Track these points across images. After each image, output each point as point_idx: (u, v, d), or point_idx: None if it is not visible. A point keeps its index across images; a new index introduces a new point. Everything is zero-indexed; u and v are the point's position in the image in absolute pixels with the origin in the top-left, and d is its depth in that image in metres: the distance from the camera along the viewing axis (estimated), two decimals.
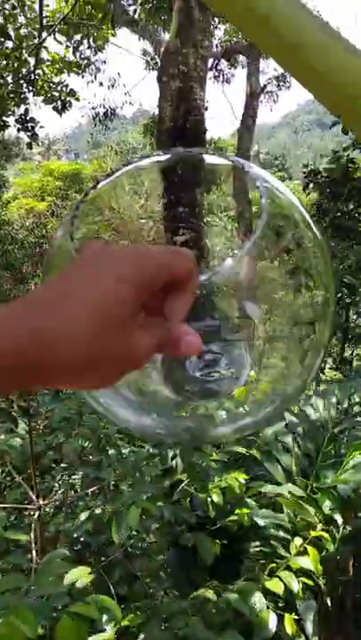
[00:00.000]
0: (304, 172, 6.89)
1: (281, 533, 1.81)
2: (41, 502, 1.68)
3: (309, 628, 1.60)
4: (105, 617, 1.19)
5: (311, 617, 1.63)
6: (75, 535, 1.81)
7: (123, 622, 1.31)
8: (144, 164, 0.60)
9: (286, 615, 1.49)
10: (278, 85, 14.49)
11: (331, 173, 6.62)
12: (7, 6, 6.38)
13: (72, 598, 1.11)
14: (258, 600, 1.48)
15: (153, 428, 0.62)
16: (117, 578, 1.68)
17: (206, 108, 4.22)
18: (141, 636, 1.40)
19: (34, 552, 1.45)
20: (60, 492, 2.05)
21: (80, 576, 1.15)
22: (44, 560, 1.19)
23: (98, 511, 1.73)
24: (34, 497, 1.66)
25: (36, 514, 1.58)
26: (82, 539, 1.83)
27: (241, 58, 13.20)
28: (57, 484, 2.11)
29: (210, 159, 0.64)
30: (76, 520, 1.81)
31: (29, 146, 7.42)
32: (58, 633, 0.89)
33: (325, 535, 1.66)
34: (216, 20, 9.23)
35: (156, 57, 11.58)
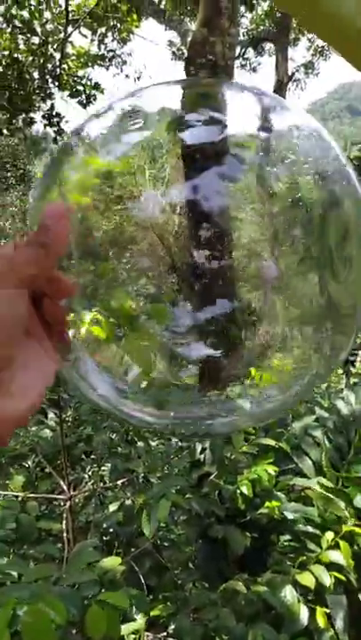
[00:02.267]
0: None
1: (310, 528, 1.79)
2: (72, 493, 1.70)
3: (339, 623, 1.58)
4: (135, 607, 1.20)
5: (342, 614, 1.61)
6: (104, 525, 1.83)
7: (153, 612, 1.32)
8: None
9: (318, 608, 1.47)
10: (306, 73, 14.21)
11: None
12: (33, 2, 6.42)
13: (103, 587, 1.13)
14: (288, 593, 1.47)
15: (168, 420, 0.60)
16: (147, 568, 1.69)
17: None
18: (171, 626, 1.41)
19: (66, 541, 1.47)
20: (89, 483, 2.08)
21: (111, 566, 1.16)
22: (75, 549, 1.20)
23: (128, 502, 1.75)
24: (65, 487, 1.68)
25: (67, 504, 1.60)
26: (111, 530, 1.85)
27: (268, 46, 12.98)
28: (87, 476, 2.14)
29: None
30: (106, 511, 1.83)
31: (55, 141, 7.48)
32: (88, 621, 0.91)
33: (357, 530, 1.63)
34: (243, 7, 9.08)
35: (183, 47, 11.49)
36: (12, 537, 1.43)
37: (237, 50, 11.27)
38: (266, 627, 1.43)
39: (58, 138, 7.26)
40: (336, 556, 1.56)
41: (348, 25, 0.52)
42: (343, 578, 1.54)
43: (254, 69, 14.14)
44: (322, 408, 2.51)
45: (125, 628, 1.30)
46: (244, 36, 12.22)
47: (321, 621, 1.47)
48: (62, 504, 1.85)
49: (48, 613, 0.77)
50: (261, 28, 12.04)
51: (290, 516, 1.81)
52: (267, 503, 1.80)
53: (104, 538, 1.89)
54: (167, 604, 1.46)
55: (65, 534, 1.63)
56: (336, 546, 1.60)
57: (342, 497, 1.78)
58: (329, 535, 1.64)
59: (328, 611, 1.52)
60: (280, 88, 10.79)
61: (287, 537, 1.86)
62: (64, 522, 1.67)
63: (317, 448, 2.19)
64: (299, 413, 2.42)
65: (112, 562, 1.19)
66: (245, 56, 13.60)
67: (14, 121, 7.04)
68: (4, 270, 0.37)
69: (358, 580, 1.68)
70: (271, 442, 2.02)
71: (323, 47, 13.59)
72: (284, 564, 1.69)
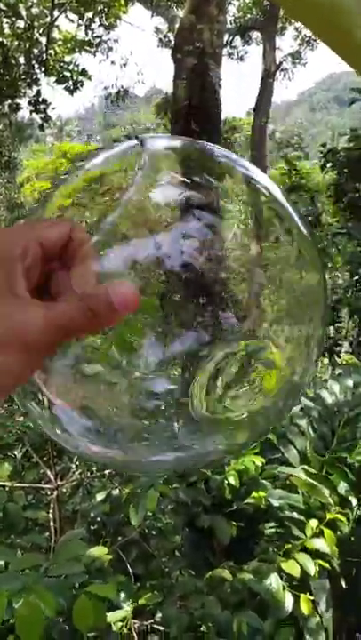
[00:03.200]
0: (322, 152, 6.75)
1: (295, 515, 1.81)
2: (58, 482, 1.70)
3: (323, 607, 1.62)
4: (122, 595, 1.21)
5: (325, 598, 1.64)
6: (91, 515, 1.84)
7: (139, 601, 1.33)
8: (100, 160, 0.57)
9: (302, 595, 1.50)
10: (294, 62, 14.17)
11: (349, 152, 6.47)
12: None
13: (90, 577, 1.13)
14: (273, 580, 1.49)
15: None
16: (134, 557, 1.70)
17: (220, 86, 4.13)
18: (158, 614, 1.43)
19: (52, 531, 1.47)
20: (76, 472, 2.08)
21: (98, 555, 1.16)
22: (62, 539, 1.21)
23: (115, 492, 1.75)
24: (52, 477, 1.68)
25: (55, 493, 1.60)
26: (98, 519, 1.86)
27: (255, 35, 12.90)
28: (74, 465, 2.14)
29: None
30: (93, 500, 1.84)
31: (41, 128, 7.38)
32: (76, 612, 0.91)
33: (341, 517, 1.66)
34: None
35: (170, 34, 11.36)
36: None
37: (225, 38, 11.17)
38: (251, 614, 1.45)
39: (44, 124, 7.16)
40: (320, 544, 1.58)
41: (333, 14, 0.52)
42: (327, 565, 1.57)
43: (241, 58, 14.06)
44: (307, 398, 2.54)
45: (112, 616, 1.31)
46: (231, 23, 12.12)
47: (305, 608, 1.50)
48: (49, 493, 1.85)
49: (39, 605, 0.77)
50: (249, 16, 11.96)
51: (275, 502, 1.84)
52: (253, 493, 1.82)
53: (91, 527, 1.90)
54: (154, 592, 1.47)
55: (52, 523, 1.63)
56: (320, 533, 1.63)
57: (326, 484, 1.81)
58: (313, 523, 1.67)
59: (312, 598, 1.55)
60: (267, 77, 10.76)
61: (273, 524, 1.89)
62: (51, 511, 1.67)
63: (302, 437, 2.22)
64: None
65: (99, 551, 1.20)
66: (233, 44, 13.50)
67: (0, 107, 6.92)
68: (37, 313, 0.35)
69: (340, 566, 1.72)
70: None
71: (310, 37, 13.54)
72: (270, 552, 1.72)
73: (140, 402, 0.53)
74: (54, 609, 0.79)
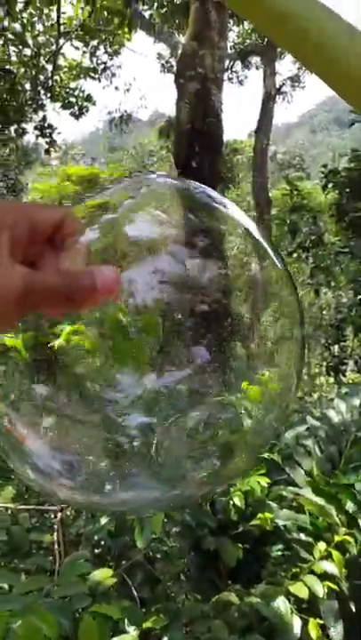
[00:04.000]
0: (323, 172, 6.82)
1: (303, 536, 1.78)
2: (62, 505, 1.69)
3: (333, 632, 1.58)
4: (127, 619, 1.19)
5: (334, 622, 1.60)
6: (95, 538, 1.81)
7: (145, 624, 1.31)
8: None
9: (311, 620, 1.47)
10: (293, 86, 14.43)
11: (350, 173, 6.54)
12: (25, 14, 6.48)
13: (94, 600, 1.11)
14: (281, 603, 1.46)
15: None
16: (139, 581, 1.68)
17: (222, 110, 4.22)
18: (164, 639, 1.40)
19: (57, 554, 1.46)
20: None
21: (102, 578, 1.15)
22: (66, 560, 1.19)
23: (119, 515, 1.73)
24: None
25: (59, 515, 1.59)
26: (102, 542, 1.83)
27: (254, 59, 13.17)
28: None
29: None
30: (97, 524, 1.81)
31: (47, 152, 7.51)
32: (80, 632, 0.90)
33: (349, 539, 1.64)
34: (231, 21, 9.22)
35: (172, 60, 11.62)
36: (3, 549, 1.41)
37: (225, 63, 11.42)
38: (259, 638, 1.42)
39: (50, 149, 7.30)
40: (329, 567, 1.55)
41: (320, 43, 0.54)
42: (336, 587, 1.54)
43: (241, 82, 14.33)
44: (313, 417, 2.52)
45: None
46: (231, 49, 12.39)
47: (314, 632, 1.47)
48: (53, 517, 1.83)
49: (40, 627, 0.76)
50: (248, 41, 12.23)
51: (282, 523, 1.81)
52: (259, 514, 1.79)
53: (95, 550, 1.87)
54: (160, 616, 1.45)
55: (56, 547, 1.61)
56: (329, 556, 1.60)
57: (334, 503, 1.78)
58: (321, 545, 1.64)
59: (321, 622, 1.51)
60: (268, 100, 10.95)
61: (280, 546, 1.86)
62: (55, 534, 1.65)
63: (309, 457, 2.20)
64: (291, 423, 2.43)
65: (103, 574, 1.19)
66: (233, 69, 13.78)
67: (6, 132, 7.06)
68: (22, 284, 0.36)
69: (350, 589, 1.68)
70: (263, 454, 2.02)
71: None
72: (277, 575, 1.69)
73: (117, 437, 0.53)
74: (55, 630, 0.78)
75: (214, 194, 0.59)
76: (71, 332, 0.53)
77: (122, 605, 1.07)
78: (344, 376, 6.03)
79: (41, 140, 7.47)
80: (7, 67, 6.57)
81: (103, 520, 1.79)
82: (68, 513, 2.00)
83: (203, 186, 0.59)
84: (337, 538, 1.65)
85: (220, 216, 0.60)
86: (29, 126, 7.27)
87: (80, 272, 0.39)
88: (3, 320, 0.37)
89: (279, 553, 1.84)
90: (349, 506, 1.80)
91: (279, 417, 0.57)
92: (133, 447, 0.53)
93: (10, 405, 0.51)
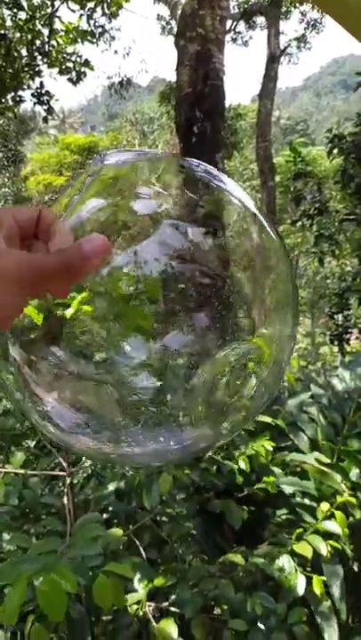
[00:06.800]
0: (328, 137, 6.66)
1: (307, 501, 1.82)
2: (72, 469, 1.73)
3: (336, 592, 1.63)
4: (137, 577, 1.23)
5: (338, 582, 1.65)
6: (104, 502, 1.86)
7: (155, 582, 1.35)
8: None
9: (315, 577, 1.52)
10: (299, 47, 13.98)
11: (356, 138, 6.39)
12: None
13: (105, 559, 1.15)
14: (286, 562, 1.51)
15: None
16: (147, 542, 1.73)
17: (224, 73, 4.10)
18: (172, 596, 1.45)
19: (68, 517, 1.50)
20: (88, 462, 2.10)
21: (113, 538, 1.18)
22: (78, 522, 1.23)
23: (127, 477, 1.77)
24: (65, 465, 1.70)
25: (68, 480, 1.63)
26: (110, 507, 1.88)
27: (259, 19, 12.73)
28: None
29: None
30: (105, 490, 1.86)
31: (45, 120, 7.36)
32: (95, 590, 0.93)
33: (352, 500, 1.67)
34: None
35: (172, 21, 11.24)
36: (15, 513, 1.45)
37: (228, 23, 11.04)
38: (264, 595, 1.47)
39: (48, 116, 7.14)
40: (332, 526, 1.59)
41: None
42: (339, 546, 1.58)
43: (246, 43, 13.90)
44: (317, 385, 2.54)
45: (127, 599, 1.34)
46: (235, 8, 11.96)
47: (318, 590, 1.52)
48: (61, 484, 1.87)
49: (60, 583, 0.80)
50: (253, 0, 11.79)
51: (287, 489, 1.85)
52: (264, 478, 1.83)
53: (104, 515, 1.92)
54: (168, 575, 1.50)
55: (67, 510, 1.66)
56: (332, 516, 1.64)
57: (338, 470, 1.82)
58: (324, 506, 1.68)
59: (325, 579, 1.56)
60: (272, 62, 10.62)
61: (284, 510, 1.90)
62: (65, 498, 1.69)
63: (313, 424, 2.23)
64: (294, 391, 2.46)
65: (114, 533, 1.22)
66: (237, 30, 13.34)
67: (3, 100, 6.90)
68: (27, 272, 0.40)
69: (353, 550, 1.73)
70: (268, 419, 2.05)
71: (315, 20, 13.34)
72: (281, 536, 1.73)
73: (131, 395, 0.56)
74: (75, 586, 0.82)
75: (213, 170, 0.61)
76: (81, 300, 0.55)
77: (133, 561, 1.10)
78: (348, 345, 6.04)
79: (38, 108, 7.30)
80: (2, 31, 6.37)
81: (111, 487, 1.84)
82: (76, 481, 2.05)
83: (202, 163, 0.61)
84: (340, 499, 1.68)
85: (219, 192, 0.61)
86: (26, 94, 7.10)
87: (71, 245, 0.42)
88: (8, 306, 0.40)
89: (283, 517, 1.89)
90: (354, 473, 1.83)
91: (276, 379, 0.60)
92: (143, 402, 0.55)
93: (32, 368, 0.54)
